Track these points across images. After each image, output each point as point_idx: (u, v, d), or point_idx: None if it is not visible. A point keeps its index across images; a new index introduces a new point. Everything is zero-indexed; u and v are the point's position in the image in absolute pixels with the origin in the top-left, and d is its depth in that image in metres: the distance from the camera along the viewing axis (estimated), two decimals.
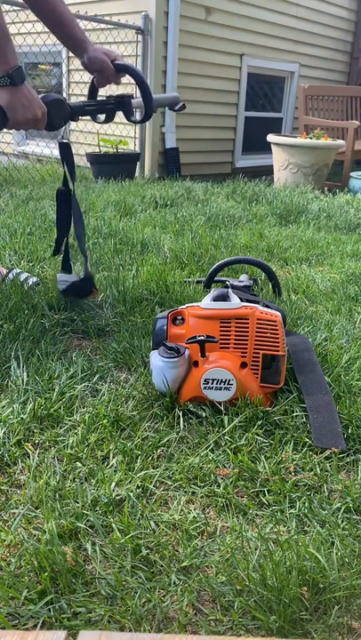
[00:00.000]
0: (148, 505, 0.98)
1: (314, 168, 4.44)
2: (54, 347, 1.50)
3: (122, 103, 1.65)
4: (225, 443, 1.13)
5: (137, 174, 4.58)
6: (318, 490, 1.03)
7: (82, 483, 1.02)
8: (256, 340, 1.25)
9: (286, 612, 0.77)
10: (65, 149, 1.63)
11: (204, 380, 1.21)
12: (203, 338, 1.21)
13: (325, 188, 4.36)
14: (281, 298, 1.90)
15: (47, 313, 1.67)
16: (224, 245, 2.49)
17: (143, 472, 1.05)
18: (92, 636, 0.54)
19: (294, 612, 0.77)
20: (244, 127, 5.43)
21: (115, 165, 4.31)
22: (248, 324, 1.26)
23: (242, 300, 1.36)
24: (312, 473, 1.06)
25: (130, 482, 1.02)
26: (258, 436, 1.15)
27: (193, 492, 1.01)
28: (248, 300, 1.40)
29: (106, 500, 0.96)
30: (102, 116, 1.70)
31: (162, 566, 0.85)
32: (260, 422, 1.18)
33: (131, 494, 0.98)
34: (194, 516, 0.95)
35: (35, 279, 1.89)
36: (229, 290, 1.38)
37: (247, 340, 1.25)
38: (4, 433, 1.14)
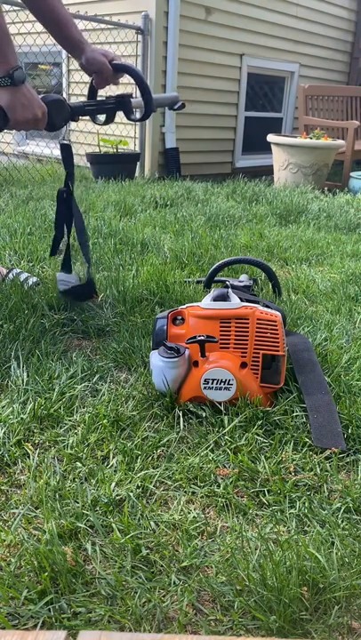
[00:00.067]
0: (148, 505, 0.98)
1: (314, 168, 4.44)
2: (54, 347, 1.50)
3: (122, 103, 1.65)
4: (225, 443, 1.13)
5: (137, 174, 4.58)
6: (318, 490, 1.03)
7: (82, 483, 1.02)
8: (256, 340, 1.25)
9: (286, 612, 0.77)
10: (66, 151, 1.63)
11: (204, 380, 1.21)
12: (203, 338, 1.21)
13: (325, 188, 4.36)
14: (281, 298, 1.90)
15: (47, 313, 1.67)
16: (224, 245, 2.49)
17: (143, 472, 1.05)
18: (92, 636, 0.54)
19: (294, 611, 0.77)
20: (244, 127, 5.43)
21: (115, 165, 4.31)
22: (248, 323, 1.26)
23: (242, 300, 1.36)
24: (312, 473, 1.06)
25: (130, 482, 1.02)
26: (258, 435, 1.15)
27: (193, 492, 1.01)
28: (248, 300, 1.40)
29: (106, 500, 0.96)
30: (102, 118, 1.70)
31: (162, 566, 0.85)
32: (260, 422, 1.18)
33: (131, 494, 0.98)
34: (194, 516, 0.95)
35: (35, 279, 1.89)
36: (229, 290, 1.38)
37: (247, 340, 1.25)
38: (4, 433, 1.14)
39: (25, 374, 1.34)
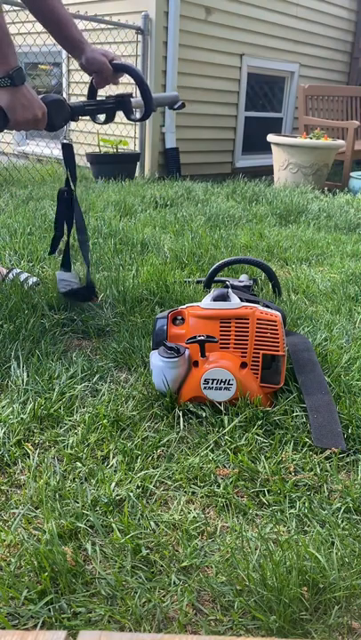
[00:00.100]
0: (148, 505, 0.98)
1: (314, 168, 4.44)
2: (54, 347, 1.50)
3: (122, 102, 1.65)
4: (225, 443, 1.13)
5: (137, 174, 4.58)
6: (318, 490, 1.03)
7: (82, 483, 1.02)
8: (256, 340, 1.25)
9: (286, 612, 0.77)
10: (67, 151, 1.63)
11: (204, 380, 1.21)
12: (203, 338, 1.21)
13: (325, 188, 4.36)
14: (281, 298, 1.90)
15: (47, 313, 1.67)
16: (224, 245, 2.49)
17: (143, 472, 1.05)
18: (92, 636, 0.54)
19: (294, 611, 0.77)
20: (244, 127, 5.43)
21: (115, 165, 4.31)
22: (248, 324, 1.26)
23: (242, 300, 1.36)
24: (312, 473, 1.06)
25: (130, 482, 1.02)
26: (258, 435, 1.15)
27: (193, 492, 1.01)
28: (248, 300, 1.40)
29: (106, 500, 0.96)
30: (102, 117, 1.70)
31: (162, 566, 0.85)
32: (260, 422, 1.18)
33: (131, 494, 0.98)
34: (194, 516, 0.95)
35: (35, 279, 1.89)
36: (229, 290, 1.38)
37: (247, 340, 1.25)
38: (4, 433, 1.14)
39: (25, 374, 1.34)
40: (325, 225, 3.11)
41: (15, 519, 0.93)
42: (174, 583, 0.82)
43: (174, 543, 0.90)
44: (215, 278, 1.86)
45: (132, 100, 1.66)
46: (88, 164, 4.41)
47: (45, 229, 2.58)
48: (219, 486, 1.02)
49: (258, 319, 1.26)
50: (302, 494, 1.01)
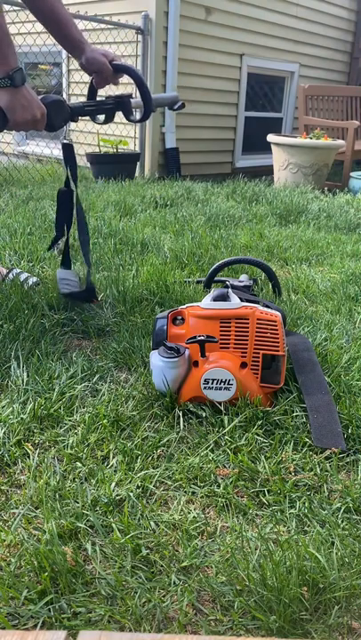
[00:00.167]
0: (148, 505, 0.98)
1: (314, 168, 4.44)
2: (54, 347, 1.50)
3: (121, 103, 1.65)
4: (225, 443, 1.13)
5: (137, 174, 4.58)
6: (318, 490, 1.03)
7: (82, 483, 1.02)
8: (256, 340, 1.25)
9: (286, 612, 0.77)
10: (68, 151, 1.63)
11: (204, 380, 1.21)
12: (203, 338, 1.21)
13: (325, 188, 4.36)
14: (281, 298, 1.90)
15: (47, 313, 1.67)
16: (224, 245, 2.49)
17: (143, 472, 1.05)
18: (92, 636, 0.54)
19: (294, 611, 0.77)
20: (244, 127, 5.43)
21: (115, 165, 4.31)
22: (248, 324, 1.26)
23: (242, 300, 1.36)
24: (312, 473, 1.06)
25: (130, 482, 1.02)
26: (258, 435, 1.15)
27: (193, 492, 1.01)
28: (248, 300, 1.40)
29: (106, 500, 0.96)
30: (102, 117, 1.70)
31: (162, 566, 0.85)
32: (260, 422, 1.18)
33: (131, 494, 0.98)
34: (194, 516, 0.95)
35: (35, 279, 1.89)
36: (229, 290, 1.38)
37: (247, 340, 1.25)
38: (4, 433, 1.14)
39: (25, 374, 1.34)
40: (325, 225, 3.11)
41: (15, 519, 0.93)
42: (174, 583, 0.82)
43: (174, 543, 0.90)
44: (215, 278, 1.86)
45: (131, 100, 1.66)
46: (88, 164, 4.41)
47: (45, 229, 2.58)
48: (219, 486, 1.02)
49: (258, 319, 1.26)
50: (302, 494, 1.01)
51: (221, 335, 1.26)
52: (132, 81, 1.62)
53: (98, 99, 1.70)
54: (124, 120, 1.68)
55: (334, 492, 1.02)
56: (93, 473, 1.04)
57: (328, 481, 1.05)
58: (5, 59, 1.29)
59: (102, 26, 4.47)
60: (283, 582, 0.79)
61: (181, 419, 1.21)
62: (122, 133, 4.63)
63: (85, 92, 1.73)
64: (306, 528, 0.94)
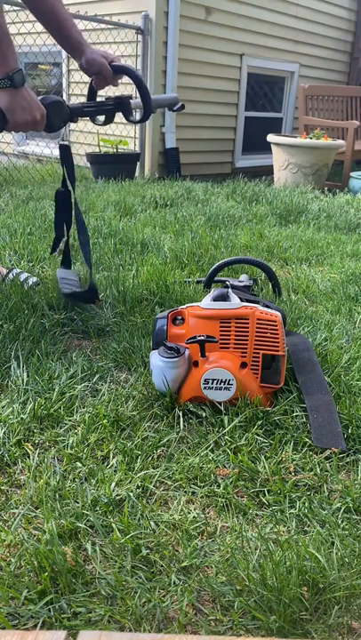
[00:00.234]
0: (148, 505, 0.98)
1: (314, 168, 4.44)
2: (54, 347, 1.50)
3: (121, 104, 1.65)
4: (225, 443, 1.13)
5: (137, 174, 4.58)
6: (318, 490, 1.03)
7: (82, 483, 1.02)
8: (256, 340, 1.25)
9: (286, 612, 0.77)
10: (65, 152, 1.63)
11: (204, 380, 1.21)
12: (203, 338, 1.21)
13: (325, 188, 4.36)
14: (281, 298, 1.90)
15: (47, 313, 1.67)
16: (224, 245, 2.49)
17: (143, 472, 1.05)
18: (92, 636, 0.54)
19: (294, 611, 0.77)
20: (244, 127, 5.43)
21: (115, 165, 4.31)
22: (248, 324, 1.26)
23: (242, 300, 1.36)
24: (312, 473, 1.06)
25: (130, 482, 1.02)
26: (258, 435, 1.15)
27: (193, 492, 1.01)
28: (248, 300, 1.40)
29: (106, 500, 0.96)
30: (102, 118, 1.70)
31: (162, 566, 0.85)
32: (260, 422, 1.18)
33: (131, 494, 0.98)
34: (194, 516, 0.95)
35: (35, 279, 1.89)
36: (229, 290, 1.38)
37: (247, 340, 1.25)
38: (4, 433, 1.14)
39: (25, 374, 1.34)
40: (325, 225, 3.11)
41: (15, 519, 0.93)
42: (174, 583, 0.82)
43: (174, 543, 0.90)
44: (215, 278, 1.86)
45: (131, 101, 1.66)
46: (88, 164, 4.41)
47: (45, 229, 2.58)
48: (219, 486, 1.02)
49: (258, 319, 1.26)
50: (302, 494, 1.01)
51: (221, 335, 1.26)
52: (131, 81, 1.62)
53: (98, 99, 1.70)
54: (124, 120, 1.68)
55: (334, 492, 1.02)
56: (93, 473, 1.04)
57: (328, 481, 1.05)
58: (5, 59, 1.29)
59: (102, 26, 4.47)
60: (283, 582, 0.79)
61: (181, 419, 1.21)
62: (122, 133, 4.63)
63: (85, 91, 1.73)
64: (306, 528, 0.94)
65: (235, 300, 1.33)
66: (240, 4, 4.95)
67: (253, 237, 2.70)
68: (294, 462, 1.08)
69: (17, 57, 1.33)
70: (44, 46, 4.10)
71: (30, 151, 5.47)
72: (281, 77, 5.86)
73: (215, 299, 1.34)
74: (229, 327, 1.26)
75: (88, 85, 1.71)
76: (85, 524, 0.92)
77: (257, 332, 1.25)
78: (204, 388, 1.22)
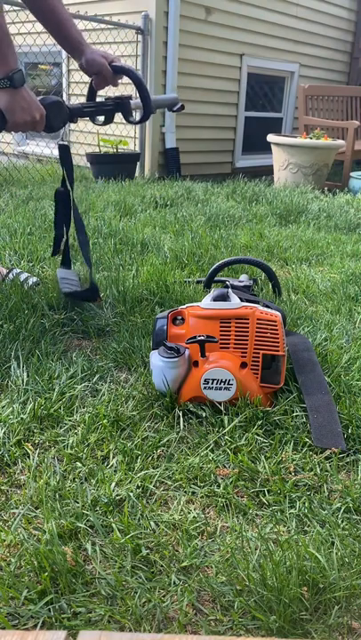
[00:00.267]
0: (148, 505, 0.98)
1: (314, 168, 4.44)
2: (54, 347, 1.50)
3: (120, 104, 1.65)
4: (225, 443, 1.13)
5: (137, 174, 4.58)
6: (318, 490, 1.03)
7: (82, 483, 1.02)
8: (256, 340, 1.25)
9: (286, 612, 0.77)
10: (64, 152, 1.63)
11: (204, 380, 1.21)
12: (203, 338, 1.21)
13: (325, 188, 4.36)
14: (281, 298, 1.90)
15: (47, 313, 1.67)
16: (224, 245, 2.49)
17: (143, 472, 1.05)
18: (92, 636, 0.54)
19: (294, 611, 0.77)
20: (244, 127, 5.43)
21: (115, 165, 4.31)
22: (248, 324, 1.26)
23: (242, 300, 1.36)
24: (312, 473, 1.06)
25: (130, 482, 1.02)
26: (258, 435, 1.15)
27: (193, 492, 1.01)
28: (248, 300, 1.40)
29: (106, 500, 0.96)
30: (101, 118, 1.70)
31: (162, 566, 0.85)
32: (260, 422, 1.18)
33: (131, 494, 0.98)
34: (194, 516, 0.95)
35: (35, 279, 1.89)
36: (229, 290, 1.38)
37: (247, 340, 1.25)
38: (4, 433, 1.14)
39: (25, 374, 1.34)
40: (325, 225, 3.11)
41: (15, 519, 0.93)
42: (174, 583, 0.82)
43: (174, 543, 0.90)
44: (215, 278, 1.86)
45: (131, 102, 1.66)
46: (88, 164, 4.41)
47: (45, 229, 2.58)
48: (219, 486, 1.02)
49: (258, 319, 1.26)
50: (302, 494, 1.01)
51: (221, 335, 1.26)
52: (131, 82, 1.62)
53: (97, 99, 1.70)
54: (124, 120, 1.69)
55: (334, 492, 1.02)
56: (93, 473, 1.04)
57: (328, 481, 1.05)
58: (5, 59, 1.29)
59: (102, 26, 4.47)
60: (283, 582, 0.79)
61: (181, 419, 1.21)
62: (122, 133, 4.63)
63: (85, 91, 1.73)
64: (306, 528, 0.94)
65: (235, 300, 1.33)
66: (240, 3, 4.95)
67: (253, 237, 2.70)
68: (294, 462, 1.08)
69: (17, 57, 1.33)
70: (44, 46, 4.10)
71: (30, 151, 5.47)
72: (281, 77, 5.86)
73: (215, 299, 1.34)
74: (229, 327, 1.27)
75: (88, 85, 1.71)
76: (85, 524, 0.92)
77: (257, 332, 1.25)
78: (204, 388, 1.22)
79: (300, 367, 1.34)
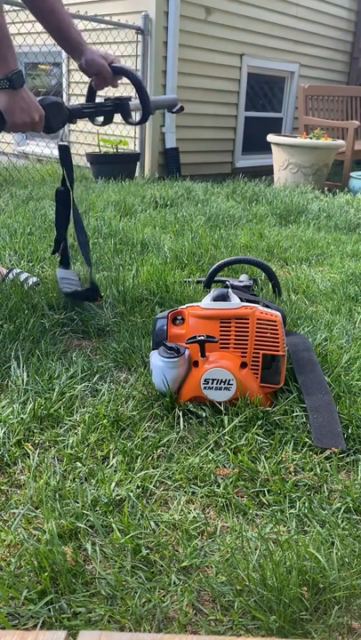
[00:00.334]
0: (148, 505, 0.98)
1: (314, 168, 4.44)
2: (54, 347, 1.50)
3: (120, 105, 1.65)
4: (225, 443, 1.13)
5: (137, 174, 4.58)
6: (318, 490, 1.03)
7: (82, 483, 1.02)
8: (256, 340, 1.25)
9: (286, 612, 0.77)
10: (64, 152, 1.63)
11: (204, 380, 1.21)
12: (203, 338, 1.21)
13: (325, 188, 4.36)
14: (281, 298, 1.90)
15: (47, 313, 1.67)
16: (224, 245, 2.49)
17: (143, 472, 1.05)
18: (92, 636, 0.54)
19: (294, 611, 0.77)
20: (244, 127, 5.43)
21: (115, 165, 4.31)
22: (248, 324, 1.26)
23: (242, 300, 1.36)
24: (312, 473, 1.06)
25: (130, 482, 1.02)
26: (258, 435, 1.15)
27: (193, 492, 1.01)
28: (248, 300, 1.40)
29: (106, 500, 0.96)
30: (100, 119, 1.70)
31: (162, 566, 0.85)
32: (260, 422, 1.18)
33: (131, 494, 0.98)
34: (194, 516, 0.95)
35: (35, 279, 1.89)
36: (229, 290, 1.38)
37: (247, 340, 1.25)
38: (4, 433, 1.14)
39: (25, 374, 1.34)
40: (325, 225, 3.11)
41: (15, 519, 0.93)
42: (174, 583, 0.82)
43: (174, 543, 0.90)
44: (215, 278, 1.86)
45: (130, 103, 1.66)
46: (88, 164, 4.41)
47: (45, 229, 2.58)
48: (219, 486, 1.02)
49: (258, 319, 1.26)
50: (302, 494, 1.01)
51: (221, 335, 1.26)
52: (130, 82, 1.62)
53: (97, 100, 1.70)
54: (124, 121, 1.69)
55: (334, 492, 1.02)
56: (93, 473, 1.04)
57: (328, 481, 1.05)
58: (5, 60, 1.29)
59: (102, 26, 4.47)
60: (283, 582, 0.79)
61: (181, 419, 1.21)
62: (122, 133, 4.63)
63: (85, 91, 1.73)
64: (306, 528, 0.94)
65: (235, 299, 1.33)
66: (240, 3, 4.95)
67: (253, 237, 2.70)
68: (294, 462, 1.08)
69: (17, 58, 1.33)
70: (44, 46, 4.10)
71: (30, 151, 5.47)
72: (281, 77, 5.86)
73: (215, 299, 1.34)
74: (229, 327, 1.27)
75: (87, 86, 1.71)
76: (85, 524, 0.92)
77: (257, 332, 1.25)
78: (204, 388, 1.22)
79: (300, 367, 1.34)
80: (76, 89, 4.97)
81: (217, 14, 4.74)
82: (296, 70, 5.88)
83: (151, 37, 4.32)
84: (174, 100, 1.78)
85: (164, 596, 0.81)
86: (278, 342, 1.25)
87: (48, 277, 1.99)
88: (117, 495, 0.98)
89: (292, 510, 0.97)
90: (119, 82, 1.71)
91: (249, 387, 1.22)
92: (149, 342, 1.49)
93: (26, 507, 0.95)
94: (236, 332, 1.26)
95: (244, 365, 1.25)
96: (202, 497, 1.00)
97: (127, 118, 1.67)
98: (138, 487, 1.01)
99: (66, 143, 1.66)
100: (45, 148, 5.03)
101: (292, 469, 1.06)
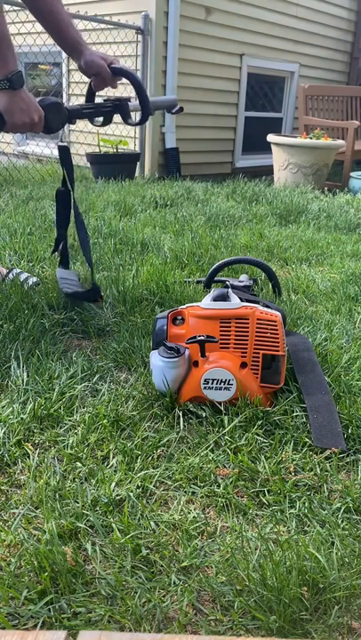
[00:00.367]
0: (148, 505, 0.98)
1: (314, 168, 4.44)
2: (54, 347, 1.50)
3: (119, 106, 1.66)
4: (225, 443, 1.13)
5: (137, 174, 4.58)
6: (318, 490, 1.03)
7: (82, 483, 1.02)
8: (256, 340, 1.25)
9: (286, 612, 0.77)
10: (64, 153, 1.63)
11: (204, 380, 1.21)
12: (203, 338, 1.21)
13: (325, 188, 4.36)
14: (281, 298, 1.90)
15: (47, 313, 1.67)
16: (224, 245, 2.49)
17: (143, 472, 1.05)
18: (92, 636, 0.55)
19: (294, 611, 0.77)
20: (244, 127, 5.43)
21: (115, 165, 4.31)
22: (248, 324, 1.26)
23: (242, 300, 1.36)
24: (312, 473, 1.06)
25: (130, 482, 1.02)
26: (258, 435, 1.15)
27: (193, 492, 1.01)
28: (248, 300, 1.40)
29: (106, 500, 0.96)
30: (100, 119, 1.70)
31: (162, 566, 0.85)
32: (260, 422, 1.18)
33: (131, 494, 0.98)
34: (194, 516, 0.95)
35: (35, 279, 1.89)
36: (229, 290, 1.38)
37: (247, 340, 1.25)
38: (4, 433, 1.14)
39: (25, 374, 1.34)
40: (325, 225, 3.11)
41: (15, 519, 0.93)
42: (174, 583, 0.82)
43: (174, 543, 0.90)
44: (215, 278, 1.86)
45: (129, 103, 1.66)
46: (88, 164, 4.41)
47: (45, 229, 2.58)
48: (219, 486, 1.02)
49: (258, 319, 1.26)
50: (302, 494, 1.01)
51: (221, 335, 1.26)
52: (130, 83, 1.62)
53: (96, 101, 1.70)
54: (123, 122, 1.68)
55: (334, 492, 1.02)
56: (93, 473, 1.04)
57: (328, 481, 1.05)
58: (5, 61, 1.29)
59: (102, 26, 4.47)
60: (283, 582, 0.79)
61: (181, 419, 1.21)
62: (122, 133, 4.63)
63: (85, 91, 1.73)
64: (306, 528, 0.94)
65: (235, 300, 1.33)
66: (240, 3, 4.95)
67: (253, 237, 2.70)
68: (294, 462, 1.08)
69: (17, 58, 1.33)
70: (44, 46, 4.10)
71: (30, 151, 5.47)
72: (281, 77, 5.86)
73: (215, 299, 1.34)
74: (229, 327, 1.27)
75: (87, 86, 1.71)
76: (85, 524, 0.92)
77: (257, 332, 1.25)
78: (204, 388, 1.22)
79: (300, 367, 1.34)
80: (75, 89, 4.97)
81: (217, 14, 4.74)
82: (296, 70, 5.88)
83: (151, 37, 4.32)
84: (174, 100, 1.78)
85: (164, 596, 0.81)
86: (278, 342, 1.25)
87: (48, 277, 1.99)
88: (117, 495, 0.98)
89: (292, 510, 0.97)
90: (119, 82, 1.71)
91: (249, 387, 1.22)
92: (149, 342, 1.49)
93: (26, 507, 0.95)
94: (236, 332, 1.26)
95: (244, 365, 1.25)
96: (202, 497, 1.00)
97: (127, 119, 1.67)
98: (138, 487, 1.01)
99: (66, 144, 1.66)
100: (45, 148, 5.03)
101: (292, 469, 1.06)
